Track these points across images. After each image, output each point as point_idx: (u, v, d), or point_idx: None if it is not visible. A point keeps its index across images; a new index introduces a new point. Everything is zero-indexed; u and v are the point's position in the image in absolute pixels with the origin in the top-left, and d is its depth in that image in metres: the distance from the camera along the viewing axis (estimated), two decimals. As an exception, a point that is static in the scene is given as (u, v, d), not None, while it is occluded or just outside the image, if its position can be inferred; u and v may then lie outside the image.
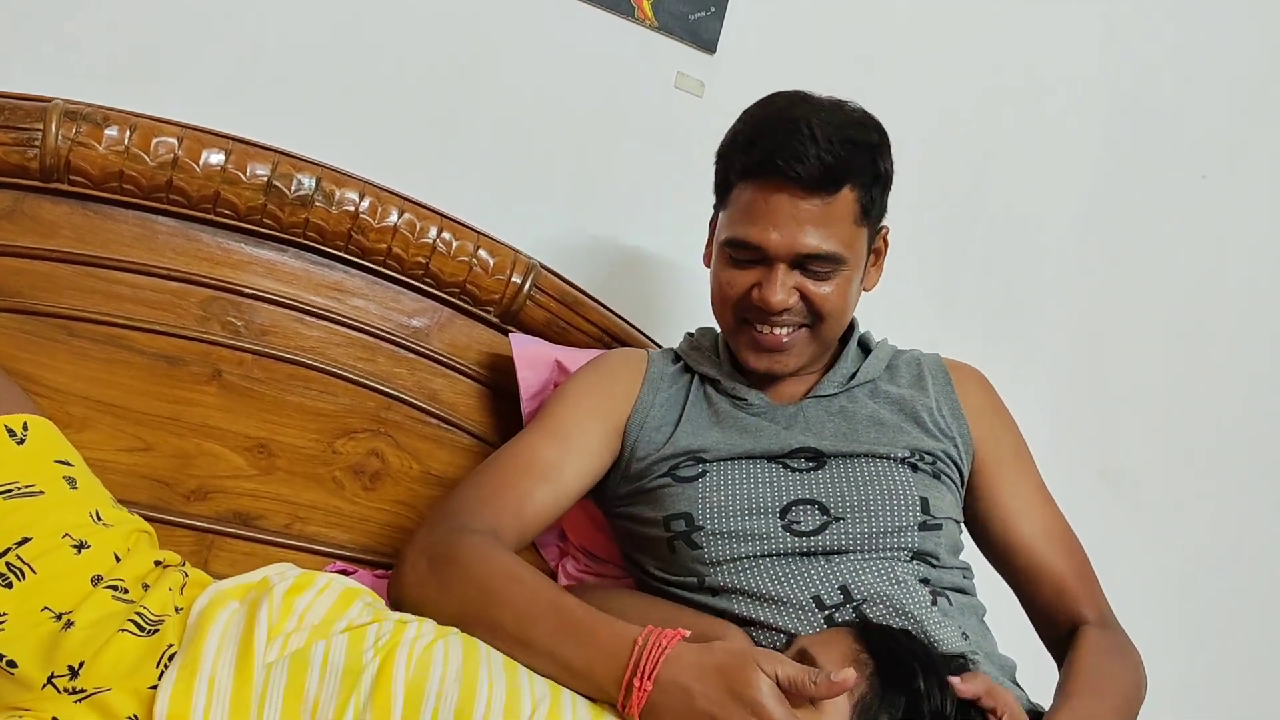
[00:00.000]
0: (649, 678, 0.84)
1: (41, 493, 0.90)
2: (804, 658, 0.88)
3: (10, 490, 0.88)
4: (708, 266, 1.23)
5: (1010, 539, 1.17)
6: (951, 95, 1.82)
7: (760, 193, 1.09)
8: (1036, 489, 1.21)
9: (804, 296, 1.12)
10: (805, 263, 1.11)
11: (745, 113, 1.17)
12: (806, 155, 1.06)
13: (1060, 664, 1.10)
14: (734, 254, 1.13)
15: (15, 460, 0.91)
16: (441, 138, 1.51)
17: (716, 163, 1.17)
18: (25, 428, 0.94)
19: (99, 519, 0.92)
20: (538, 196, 1.56)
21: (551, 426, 1.17)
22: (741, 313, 1.15)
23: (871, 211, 1.13)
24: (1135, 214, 1.93)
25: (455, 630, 0.91)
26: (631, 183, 1.61)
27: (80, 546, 0.88)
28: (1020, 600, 1.18)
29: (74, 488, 0.93)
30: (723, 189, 1.16)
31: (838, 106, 1.12)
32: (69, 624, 0.83)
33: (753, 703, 0.81)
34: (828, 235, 1.10)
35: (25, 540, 0.85)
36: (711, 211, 1.24)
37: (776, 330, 1.14)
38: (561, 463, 1.12)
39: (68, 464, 0.95)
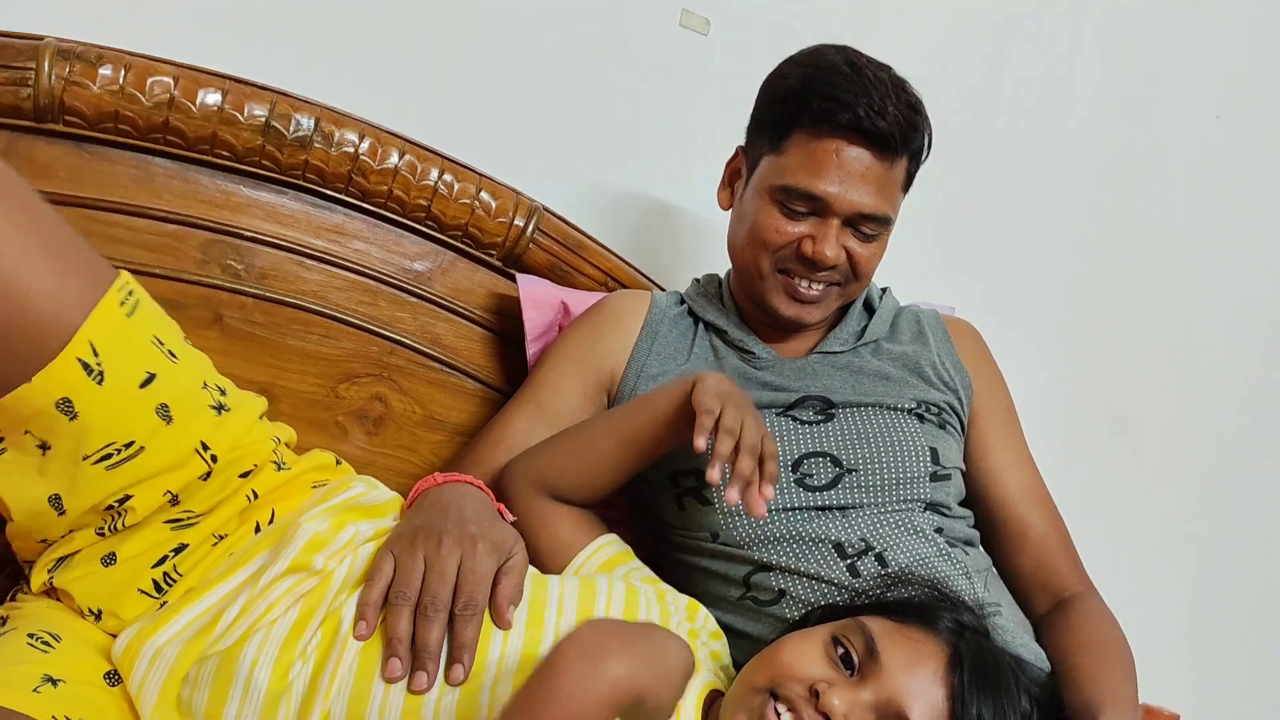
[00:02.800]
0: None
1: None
2: (870, 648, 0.81)
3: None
4: (725, 209, 1.22)
5: (998, 493, 1.17)
6: (958, 34, 1.78)
7: (831, 143, 1.08)
8: (1022, 447, 1.22)
9: (848, 255, 1.12)
10: (858, 222, 1.10)
11: (802, 60, 1.14)
12: (886, 112, 1.06)
13: (1050, 634, 1.08)
14: (787, 202, 1.11)
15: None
16: (439, 78, 1.48)
17: (772, 104, 1.14)
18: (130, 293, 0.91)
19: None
20: (539, 139, 1.54)
21: (531, 395, 1.20)
22: (781, 262, 1.13)
23: (911, 181, 1.16)
24: (1144, 156, 1.90)
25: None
26: (634, 124, 1.59)
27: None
28: (1001, 569, 1.16)
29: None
30: (779, 132, 1.12)
31: (890, 70, 1.12)
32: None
33: None
34: (884, 198, 1.10)
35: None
36: (734, 151, 1.22)
37: (815, 287, 1.13)
38: (536, 435, 1.13)
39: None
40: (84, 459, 0.82)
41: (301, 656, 0.79)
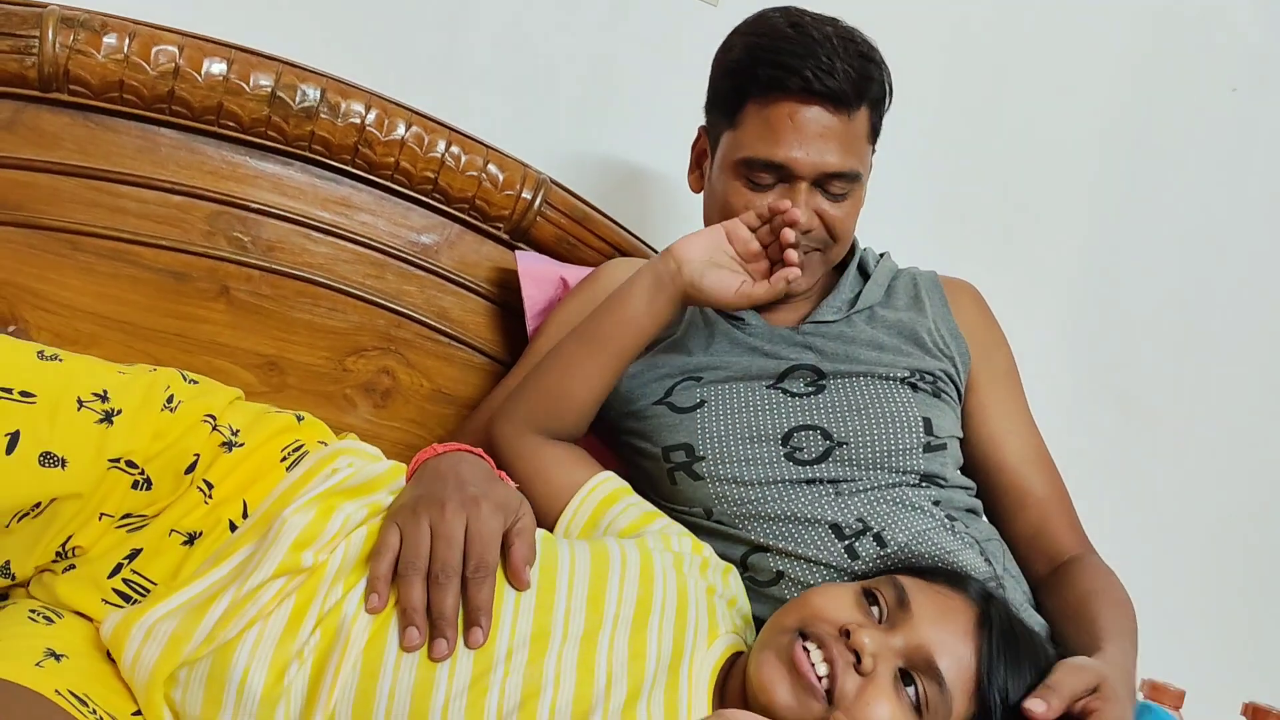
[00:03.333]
0: None
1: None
2: (902, 598, 0.81)
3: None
4: (696, 192, 1.21)
5: (997, 457, 1.16)
6: (974, 5, 1.76)
7: (783, 108, 1.06)
8: (1023, 410, 1.20)
9: (821, 218, 1.10)
10: (826, 182, 1.09)
11: (746, 30, 1.12)
12: (835, 70, 1.04)
13: (1048, 595, 1.06)
14: (751, 175, 1.09)
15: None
16: (447, 49, 1.46)
17: (722, 79, 1.13)
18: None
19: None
20: (547, 111, 1.52)
21: (528, 365, 1.19)
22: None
23: (877, 130, 1.13)
24: (1159, 130, 1.88)
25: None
26: (643, 96, 1.57)
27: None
28: (1001, 534, 1.14)
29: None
30: (732, 107, 1.11)
31: (836, 21, 1.10)
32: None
33: None
34: (849, 153, 1.08)
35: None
36: (697, 133, 1.20)
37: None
38: None
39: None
40: (5, 528, 0.80)
41: (298, 658, 0.76)
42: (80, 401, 0.81)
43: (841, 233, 1.13)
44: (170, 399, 0.87)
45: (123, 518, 0.84)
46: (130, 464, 0.83)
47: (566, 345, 1.08)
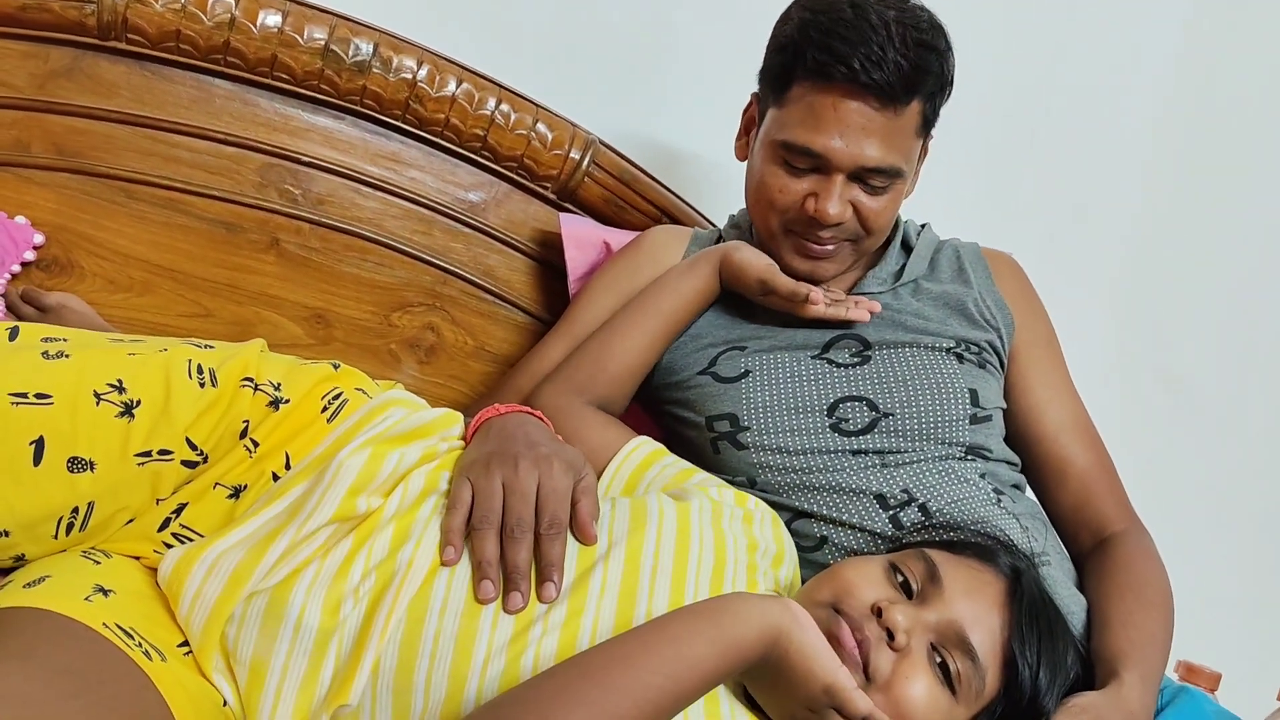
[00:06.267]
0: None
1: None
2: (933, 573, 0.81)
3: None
4: (741, 160, 1.19)
5: (1038, 428, 1.14)
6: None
7: (828, 97, 1.03)
8: (1064, 380, 1.18)
9: (856, 210, 1.08)
10: (864, 175, 1.06)
11: (806, 3, 1.07)
12: (885, 61, 1.00)
13: (1090, 576, 1.05)
14: (789, 158, 1.07)
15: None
16: (499, 6, 1.46)
17: (775, 53, 1.09)
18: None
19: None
20: (597, 72, 1.52)
21: (567, 328, 1.19)
22: (789, 223, 1.11)
23: (931, 122, 1.10)
24: (1218, 110, 1.83)
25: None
26: (694, 59, 1.56)
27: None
28: (1045, 506, 1.13)
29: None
30: (780, 84, 1.08)
31: (903, 4, 1.05)
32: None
33: None
34: (891, 148, 1.05)
35: None
36: (749, 99, 1.18)
37: (825, 245, 1.11)
38: None
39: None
40: (53, 538, 0.81)
41: (353, 595, 0.77)
42: (97, 395, 0.80)
43: (875, 226, 1.10)
44: (199, 370, 0.84)
45: (173, 491, 0.85)
46: (163, 452, 0.82)
47: (615, 315, 1.12)
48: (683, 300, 1.12)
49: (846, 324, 1.12)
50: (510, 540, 0.78)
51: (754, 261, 1.11)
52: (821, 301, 1.07)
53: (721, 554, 0.84)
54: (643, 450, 1.03)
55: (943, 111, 1.12)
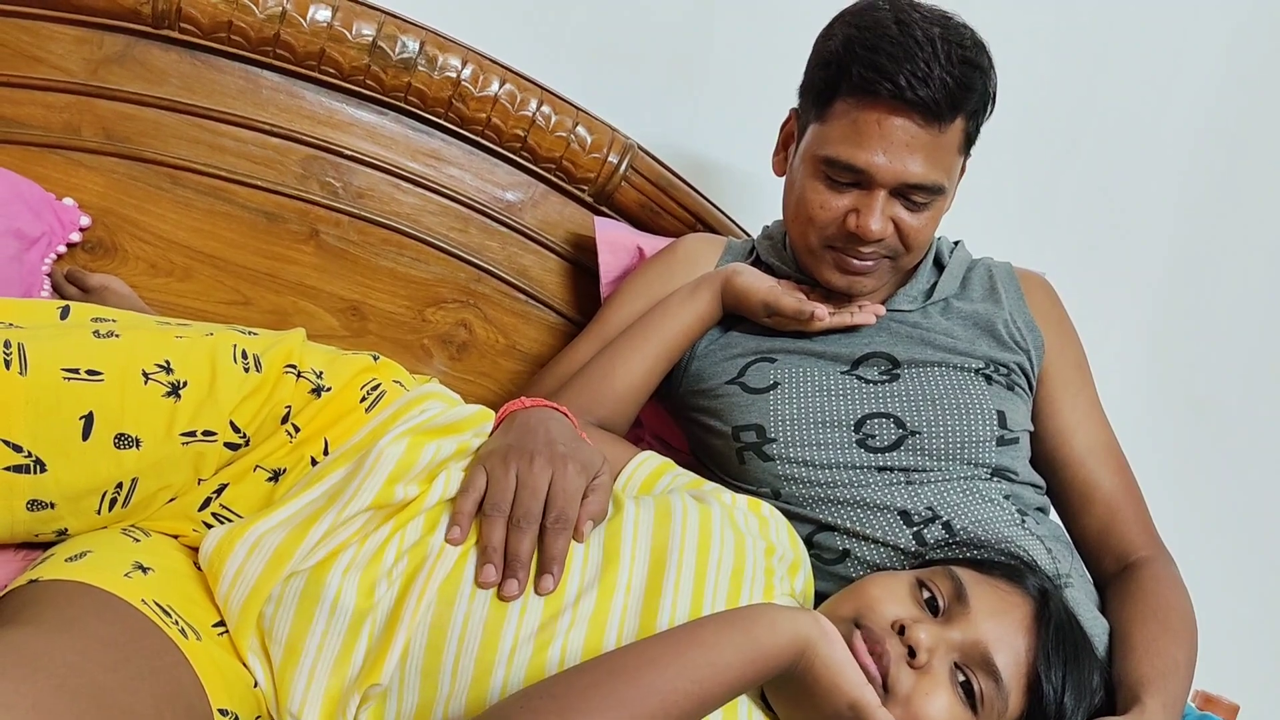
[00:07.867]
0: None
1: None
2: (959, 592, 0.81)
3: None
4: (779, 175, 1.19)
5: (1064, 451, 1.14)
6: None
7: (873, 113, 1.02)
8: (1094, 404, 1.17)
9: (896, 226, 1.08)
10: (907, 192, 1.06)
11: (850, 19, 1.07)
12: (931, 78, 1.00)
13: (1113, 600, 1.05)
14: (831, 173, 1.07)
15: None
16: (544, 9, 1.47)
17: (817, 68, 1.09)
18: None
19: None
20: (638, 77, 1.53)
21: (598, 331, 1.21)
22: (829, 239, 1.10)
23: (973, 140, 1.10)
24: (1260, 124, 1.81)
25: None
26: (733, 67, 1.57)
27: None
28: (1069, 530, 1.13)
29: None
30: (824, 99, 1.07)
31: (948, 20, 1.05)
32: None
33: None
34: (935, 165, 1.05)
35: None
36: (787, 115, 1.18)
37: (864, 261, 1.11)
38: None
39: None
40: (96, 513, 0.82)
41: (386, 578, 0.79)
42: (145, 375, 0.81)
43: (915, 243, 1.10)
44: (244, 355, 0.86)
45: (215, 472, 0.86)
46: (207, 433, 0.83)
47: (618, 337, 1.15)
48: (683, 325, 1.14)
49: (875, 339, 1.12)
50: (514, 529, 0.81)
51: (757, 285, 1.13)
52: (826, 315, 1.09)
53: (741, 556, 0.85)
54: (652, 462, 1.04)
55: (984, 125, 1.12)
